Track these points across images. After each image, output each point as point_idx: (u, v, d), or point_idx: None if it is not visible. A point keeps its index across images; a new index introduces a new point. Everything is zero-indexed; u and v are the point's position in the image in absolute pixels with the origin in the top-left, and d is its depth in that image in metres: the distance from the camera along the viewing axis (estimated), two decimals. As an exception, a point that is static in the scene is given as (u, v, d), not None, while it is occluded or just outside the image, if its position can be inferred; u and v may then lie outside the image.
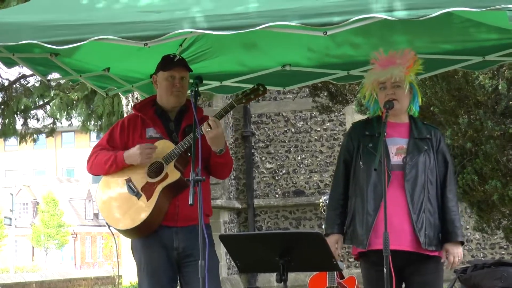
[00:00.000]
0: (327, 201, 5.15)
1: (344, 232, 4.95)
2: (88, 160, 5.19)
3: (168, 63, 5.08)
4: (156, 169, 4.97)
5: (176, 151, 4.92)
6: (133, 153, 4.96)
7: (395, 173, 4.78)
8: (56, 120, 18.95)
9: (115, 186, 5.05)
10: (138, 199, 4.95)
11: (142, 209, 4.92)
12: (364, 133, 4.93)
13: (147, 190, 4.94)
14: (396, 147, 4.84)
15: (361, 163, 4.88)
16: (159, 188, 4.91)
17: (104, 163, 5.06)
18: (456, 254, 4.81)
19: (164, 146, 4.96)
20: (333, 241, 4.92)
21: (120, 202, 5.01)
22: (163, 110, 5.13)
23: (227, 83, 6.05)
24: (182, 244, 4.94)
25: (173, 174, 4.92)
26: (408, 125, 4.93)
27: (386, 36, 5.22)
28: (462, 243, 4.86)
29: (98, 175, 5.19)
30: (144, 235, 4.99)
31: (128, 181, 5.01)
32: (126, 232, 5.06)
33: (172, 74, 5.06)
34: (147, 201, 4.92)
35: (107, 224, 5.06)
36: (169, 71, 5.06)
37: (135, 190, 4.97)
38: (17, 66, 5.01)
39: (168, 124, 5.08)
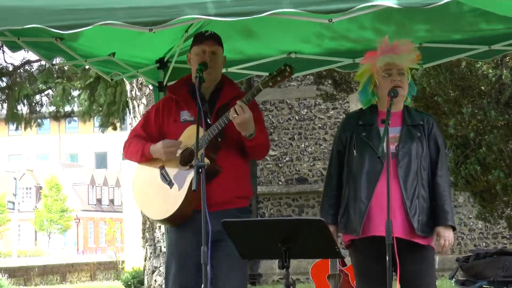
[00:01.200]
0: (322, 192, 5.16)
1: (338, 222, 4.95)
2: (124, 147, 5.17)
3: (199, 37, 5.00)
4: (188, 157, 4.90)
5: (206, 138, 4.81)
6: (157, 149, 4.93)
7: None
8: (61, 109, 18.97)
9: (149, 174, 5.01)
10: (171, 188, 4.90)
11: (174, 199, 4.86)
12: (357, 123, 4.93)
13: (179, 179, 4.87)
14: (390, 135, 4.83)
15: (354, 151, 4.88)
16: (190, 177, 4.82)
17: (135, 154, 5.05)
18: (447, 237, 4.78)
19: (195, 132, 4.78)
20: None
21: (153, 190, 4.97)
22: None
23: (232, 69, 6.05)
24: (214, 229, 4.73)
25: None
26: (401, 113, 4.93)
27: (393, 24, 5.22)
28: (453, 228, 4.85)
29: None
30: (178, 224, 4.95)
31: (161, 168, 4.97)
32: (159, 221, 5.07)
33: (202, 48, 4.95)
34: (179, 190, 4.86)
35: (142, 213, 5.06)
36: (199, 45, 4.97)
37: (168, 178, 4.92)
38: (22, 51, 5.01)
39: (203, 105, 4.87)
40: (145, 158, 5.02)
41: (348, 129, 4.96)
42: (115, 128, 18.37)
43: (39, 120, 19.45)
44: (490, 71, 8.57)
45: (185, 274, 4.94)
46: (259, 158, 5.22)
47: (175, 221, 4.94)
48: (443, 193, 4.84)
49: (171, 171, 4.94)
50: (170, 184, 4.91)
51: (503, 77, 8.55)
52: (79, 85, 17.41)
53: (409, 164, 4.79)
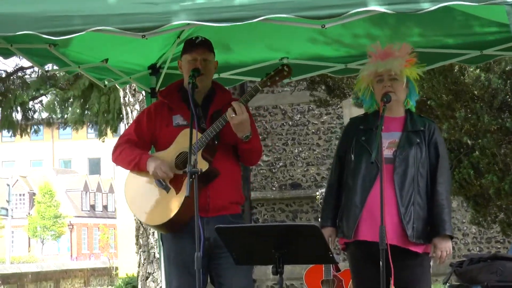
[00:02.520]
0: (323, 195, 5.17)
1: (337, 225, 4.96)
2: (113, 151, 5.07)
3: (190, 45, 4.97)
4: (184, 160, 4.82)
5: (203, 140, 4.76)
6: (153, 168, 4.85)
7: (385, 167, 4.73)
8: (53, 116, 18.93)
9: (143, 180, 4.94)
10: (167, 192, 4.84)
11: (172, 204, 4.80)
12: (359, 127, 4.93)
13: (176, 182, 4.81)
14: (389, 141, 4.82)
15: (352, 155, 4.88)
16: (187, 180, 4.72)
17: (128, 163, 4.97)
18: (444, 248, 4.76)
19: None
20: (327, 235, 4.93)
21: (149, 196, 4.90)
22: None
23: (224, 75, 6.05)
24: (213, 235, 4.68)
25: (200, 165, 4.71)
26: (403, 119, 4.92)
27: (385, 29, 5.23)
28: (451, 237, 4.81)
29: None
30: (176, 230, 4.87)
31: None
32: (157, 227, 5.00)
33: (194, 57, 4.92)
34: (176, 194, 4.79)
35: (138, 220, 4.96)
36: (190, 54, 4.93)
37: (164, 183, 4.85)
38: (16, 58, 5.01)
39: (195, 110, 4.81)
40: (138, 169, 4.95)
41: (350, 134, 4.97)
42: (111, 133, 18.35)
43: (35, 127, 19.44)
44: (483, 74, 8.58)
45: (188, 281, 4.85)
46: (252, 164, 5.16)
47: (172, 227, 4.87)
48: (441, 201, 4.79)
49: None
50: (167, 188, 4.86)
51: (492, 83, 8.56)
52: (72, 94, 17.36)
53: (406, 170, 4.77)
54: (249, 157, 5.01)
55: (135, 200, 5.00)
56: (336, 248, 5.19)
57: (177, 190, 4.81)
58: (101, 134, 17.90)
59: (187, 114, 4.91)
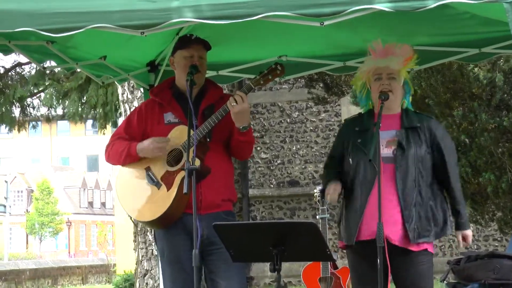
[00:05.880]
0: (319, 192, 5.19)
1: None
2: (105, 150, 5.07)
3: (186, 41, 4.95)
4: (175, 157, 4.83)
5: (196, 137, 4.73)
6: (145, 147, 4.86)
7: (386, 166, 4.71)
8: (51, 109, 18.93)
9: (134, 176, 4.94)
10: (158, 189, 4.83)
11: (163, 200, 4.79)
12: (354, 129, 4.91)
13: (167, 179, 4.81)
14: (387, 139, 4.79)
15: (350, 159, 4.85)
16: (179, 177, 4.75)
17: (120, 154, 4.96)
18: (466, 236, 4.97)
19: (183, 132, 4.78)
20: (332, 187, 4.87)
21: (140, 192, 4.89)
22: (181, 92, 4.94)
23: (223, 72, 6.05)
24: (206, 232, 4.69)
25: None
26: (399, 116, 4.89)
27: (384, 27, 5.23)
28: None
29: (116, 165, 5.08)
30: (166, 226, 4.86)
31: (148, 170, 4.90)
32: (147, 224, 5.01)
33: (191, 53, 4.91)
34: (167, 191, 4.78)
35: (128, 215, 4.97)
36: (187, 49, 4.92)
37: (155, 179, 4.86)
38: (14, 54, 5.00)
39: (186, 107, 4.80)
40: (130, 158, 4.94)
41: (345, 136, 4.95)
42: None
43: (33, 123, 19.46)
44: (481, 73, 8.58)
45: (182, 278, 4.87)
46: (244, 158, 5.15)
47: (162, 223, 4.87)
48: (458, 198, 4.92)
49: (158, 172, 4.88)
50: (158, 185, 4.85)
51: (497, 80, 8.55)
52: (70, 86, 17.35)
53: (407, 169, 4.74)
54: (243, 150, 4.99)
55: (126, 197, 5.00)
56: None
57: (168, 187, 4.81)
58: (101, 127, 17.90)
59: (178, 111, 4.92)
